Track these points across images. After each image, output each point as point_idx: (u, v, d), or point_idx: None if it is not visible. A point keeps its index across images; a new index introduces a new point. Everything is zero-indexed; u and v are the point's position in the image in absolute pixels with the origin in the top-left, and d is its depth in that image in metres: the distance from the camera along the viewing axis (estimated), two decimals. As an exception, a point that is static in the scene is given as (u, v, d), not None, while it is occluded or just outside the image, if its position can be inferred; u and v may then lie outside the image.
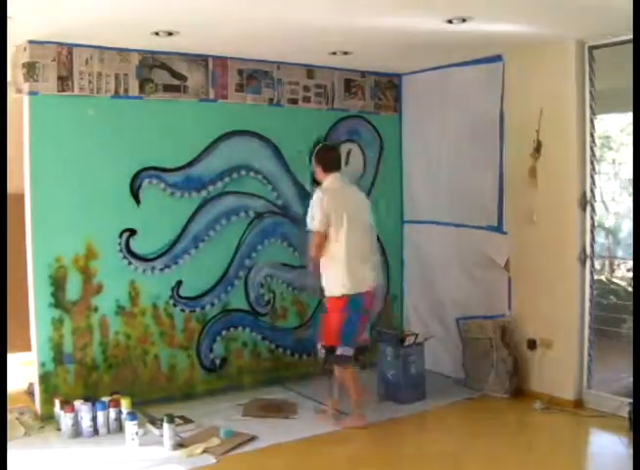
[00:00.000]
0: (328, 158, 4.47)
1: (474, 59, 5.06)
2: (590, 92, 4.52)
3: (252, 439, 4.09)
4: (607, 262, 5.48)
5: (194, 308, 4.94)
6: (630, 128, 4.34)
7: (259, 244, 5.21)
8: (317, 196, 4.29)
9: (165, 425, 3.95)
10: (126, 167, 4.64)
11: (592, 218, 4.61)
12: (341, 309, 4.25)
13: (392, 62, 5.34)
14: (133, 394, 4.48)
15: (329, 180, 4.39)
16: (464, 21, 3.95)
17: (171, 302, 4.84)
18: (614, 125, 5.06)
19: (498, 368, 4.90)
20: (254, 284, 5.19)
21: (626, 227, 5.24)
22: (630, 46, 3.30)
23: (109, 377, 4.62)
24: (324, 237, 4.24)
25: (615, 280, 5.52)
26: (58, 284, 4.43)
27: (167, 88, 4.76)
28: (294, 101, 5.29)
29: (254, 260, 5.18)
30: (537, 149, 4.70)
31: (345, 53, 4.91)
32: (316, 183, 4.63)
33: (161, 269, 4.80)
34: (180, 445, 3.98)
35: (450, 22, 3.97)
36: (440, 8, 3.76)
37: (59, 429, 4.21)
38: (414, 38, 4.41)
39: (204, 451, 3.90)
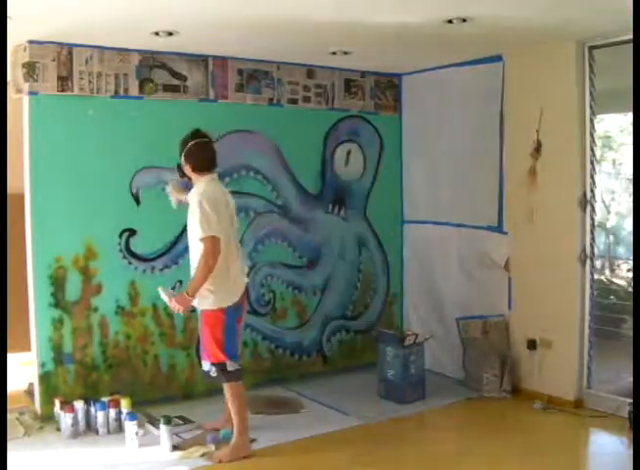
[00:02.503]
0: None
1: (474, 59, 5.06)
2: (590, 92, 4.52)
3: (252, 441, 4.06)
4: (607, 262, 5.49)
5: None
6: (630, 128, 4.34)
7: (259, 244, 5.21)
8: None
9: (162, 426, 3.95)
10: (126, 167, 4.64)
11: (592, 218, 4.61)
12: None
13: (392, 62, 5.34)
14: (133, 394, 4.48)
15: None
16: (464, 21, 3.95)
17: (171, 302, 4.83)
18: (614, 125, 5.06)
19: (498, 368, 4.90)
20: (254, 284, 5.19)
21: (626, 227, 5.24)
22: (630, 46, 3.29)
23: (108, 377, 4.62)
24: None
25: (615, 280, 5.53)
26: (58, 284, 4.43)
27: (167, 88, 4.76)
28: (294, 101, 5.29)
29: (254, 260, 5.18)
30: (537, 149, 4.70)
31: (345, 53, 4.91)
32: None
33: (161, 269, 4.79)
34: (179, 446, 3.98)
35: (450, 22, 3.97)
36: (440, 8, 3.76)
37: (59, 429, 4.21)
38: (414, 38, 4.40)
39: (203, 455, 3.89)
